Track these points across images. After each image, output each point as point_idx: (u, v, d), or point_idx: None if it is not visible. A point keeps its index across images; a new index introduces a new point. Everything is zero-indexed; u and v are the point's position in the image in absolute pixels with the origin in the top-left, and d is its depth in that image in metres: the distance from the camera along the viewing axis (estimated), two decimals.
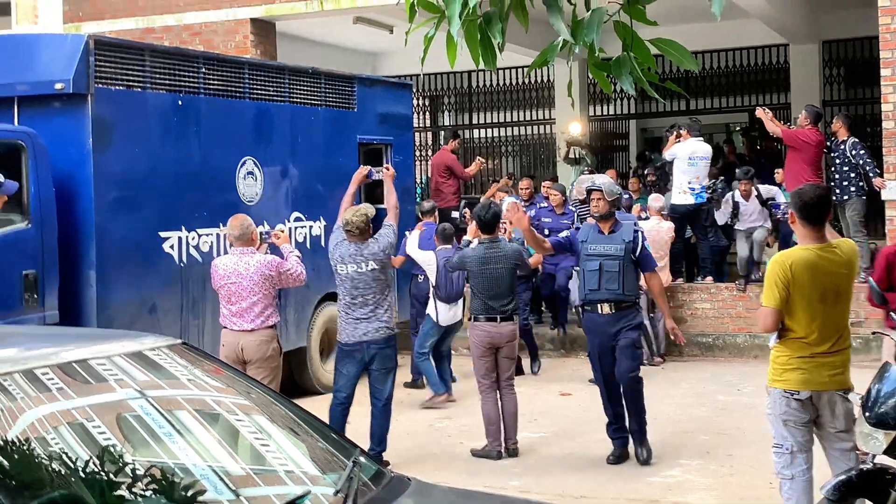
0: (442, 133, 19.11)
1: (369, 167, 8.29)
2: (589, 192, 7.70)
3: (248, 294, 7.26)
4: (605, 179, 7.94)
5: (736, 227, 12.10)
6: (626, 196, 11.66)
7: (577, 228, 8.58)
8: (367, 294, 7.38)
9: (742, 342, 11.72)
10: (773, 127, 11.62)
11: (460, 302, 9.70)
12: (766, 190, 12.11)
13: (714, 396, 9.72)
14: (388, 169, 8.20)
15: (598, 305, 7.53)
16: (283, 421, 3.80)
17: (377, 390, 7.58)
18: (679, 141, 12.03)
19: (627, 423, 7.65)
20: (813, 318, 5.03)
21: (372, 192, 10.55)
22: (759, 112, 11.47)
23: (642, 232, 7.76)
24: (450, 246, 9.74)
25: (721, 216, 12.18)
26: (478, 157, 14.22)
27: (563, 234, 8.57)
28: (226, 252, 8.98)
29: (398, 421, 7.69)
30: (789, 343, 5.09)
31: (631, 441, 7.64)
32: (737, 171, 12.57)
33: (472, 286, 7.97)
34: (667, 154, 12.13)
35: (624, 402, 7.63)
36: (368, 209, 7.57)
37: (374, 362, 7.46)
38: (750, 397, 9.47)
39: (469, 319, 8.09)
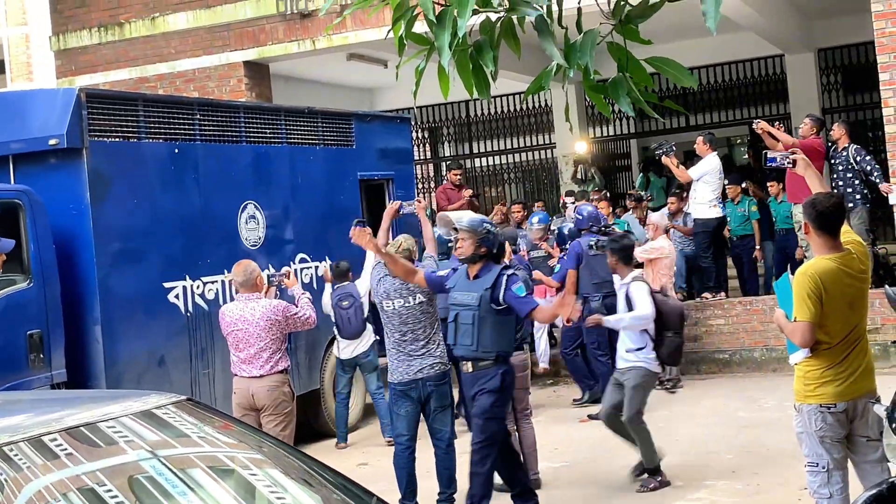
0: (444, 164, 19.09)
1: (400, 202, 8.14)
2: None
3: (255, 340, 7.17)
4: (469, 217, 6.92)
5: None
6: (591, 210, 10.58)
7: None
8: (417, 329, 7.03)
9: (759, 356, 11.57)
10: (786, 137, 11.39)
11: (364, 336, 9.65)
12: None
13: (735, 413, 9.57)
14: (419, 202, 8.05)
15: (461, 363, 6.66)
16: (296, 473, 3.70)
17: (438, 430, 7.13)
18: (689, 161, 12.05)
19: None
20: (844, 327, 4.93)
21: (378, 210, 10.45)
22: (760, 126, 11.21)
23: (513, 274, 6.54)
24: (346, 282, 9.65)
25: None
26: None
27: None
28: (232, 299, 8.92)
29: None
30: (821, 355, 4.94)
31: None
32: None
33: None
34: (695, 172, 11.83)
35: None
36: (408, 242, 7.32)
37: (430, 400, 7.03)
38: (771, 412, 9.33)
39: None
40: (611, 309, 9.82)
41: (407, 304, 7.04)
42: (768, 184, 12.89)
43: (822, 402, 4.94)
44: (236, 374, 7.32)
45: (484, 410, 6.49)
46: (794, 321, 4.93)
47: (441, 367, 7.07)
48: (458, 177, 13.77)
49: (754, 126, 11.32)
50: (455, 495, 7.17)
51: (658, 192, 16.02)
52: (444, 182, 14.31)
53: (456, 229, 6.68)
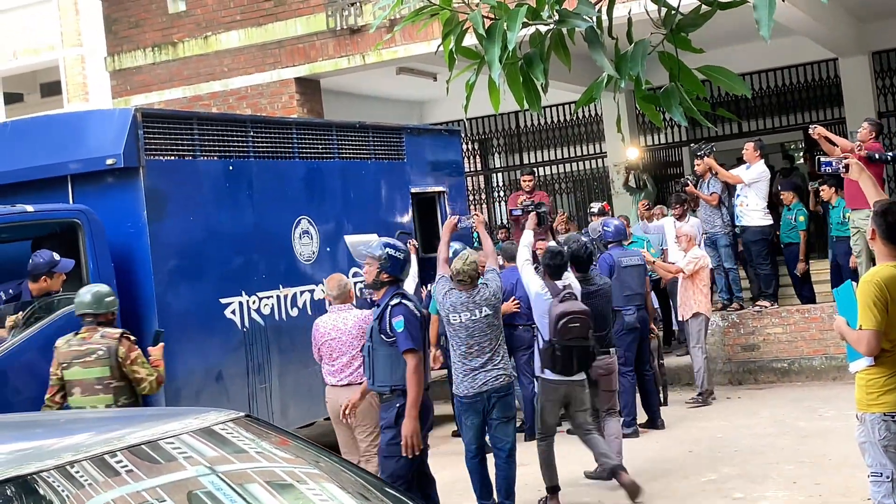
0: (494, 175, 19.10)
1: (458, 216, 8.02)
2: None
3: (347, 349, 7.39)
4: (374, 241, 6.85)
5: None
6: (618, 224, 10.17)
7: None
8: (483, 342, 7.00)
9: (819, 365, 11.42)
10: (844, 142, 11.09)
11: None
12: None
13: (795, 423, 9.43)
14: (477, 216, 8.08)
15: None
16: (354, 487, 3.71)
17: (500, 440, 7.12)
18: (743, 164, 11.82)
19: None
20: None
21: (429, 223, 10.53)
22: (817, 131, 10.95)
23: (398, 304, 6.34)
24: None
25: None
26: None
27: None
28: (287, 314, 9.02)
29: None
30: (884, 363, 4.86)
31: None
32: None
33: None
34: (747, 175, 11.57)
35: None
36: (475, 255, 7.28)
37: (494, 411, 7.01)
38: (832, 422, 9.19)
39: None
40: (644, 322, 9.76)
41: (474, 318, 6.98)
42: (821, 188, 12.50)
43: (885, 411, 4.86)
44: (328, 384, 7.53)
45: (381, 448, 6.51)
46: (860, 329, 4.85)
47: (505, 379, 7.06)
48: (530, 182, 13.55)
49: (810, 131, 11.08)
50: None
51: None
52: (518, 190, 14.07)
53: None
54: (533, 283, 7.51)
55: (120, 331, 6.58)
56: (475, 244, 9.80)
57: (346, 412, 7.00)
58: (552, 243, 8.07)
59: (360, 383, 7.18)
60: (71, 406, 6.48)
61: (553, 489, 7.42)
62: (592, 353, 7.39)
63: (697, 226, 12.05)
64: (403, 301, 6.35)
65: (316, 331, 7.60)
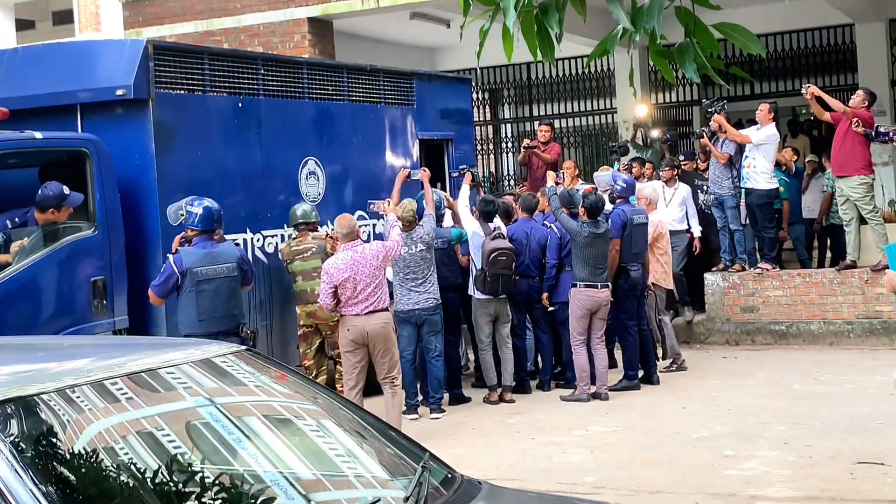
0: (503, 126, 19.03)
1: (409, 170, 9.75)
2: None
3: (370, 279, 7.82)
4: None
5: None
6: (628, 178, 10.20)
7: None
8: (416, 270, 8.78)
9: (816, 329, 11.45)
10: (837, 103, 10.97)
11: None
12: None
13: (790, 386, 9.50)
14: (424, 171, 9.52)
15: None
16: (350, 425, 3.76)
17: (428, 349, 9.02)
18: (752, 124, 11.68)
19: None
20: None
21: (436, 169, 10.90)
22: (810, 91, 10.87)
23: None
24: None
25: None
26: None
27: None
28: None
29: (467, 417, 7.61)
30: None
31: None
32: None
33: (577, 256, 9.15)
34: (756, 136, 11.36)
35: None
36: (412, 203, 8.86)
37: (424, 326, 8.90)
38: (827, 386, 9.26)
39: (573, 286, 9.27)
40: (644, 279, 9.89)
41: (410, 251, 8.69)
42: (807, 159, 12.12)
43: None
44: (348, 314, 7.83)
45: None
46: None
47: (433, 301, 8.87)
48: (547, 133, 13.37)
49: (803, 91, 11.00)
50: (442, 402, 9.13)
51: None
52: (534, 138, 13.93)
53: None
54: (470, 224, 9.43)
55: (324, 233, 9.01)
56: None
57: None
58: (487, 195, 10.06)
59: (384, 309, 7.93)
60: (296, 290, 8.81)
61: (493, 386, 9.38)
62: (513, 279, 9.25)
63: (686, 193, 11.88)
64: (169, 254, 7.51)
65: (335, 270, 7.76)
